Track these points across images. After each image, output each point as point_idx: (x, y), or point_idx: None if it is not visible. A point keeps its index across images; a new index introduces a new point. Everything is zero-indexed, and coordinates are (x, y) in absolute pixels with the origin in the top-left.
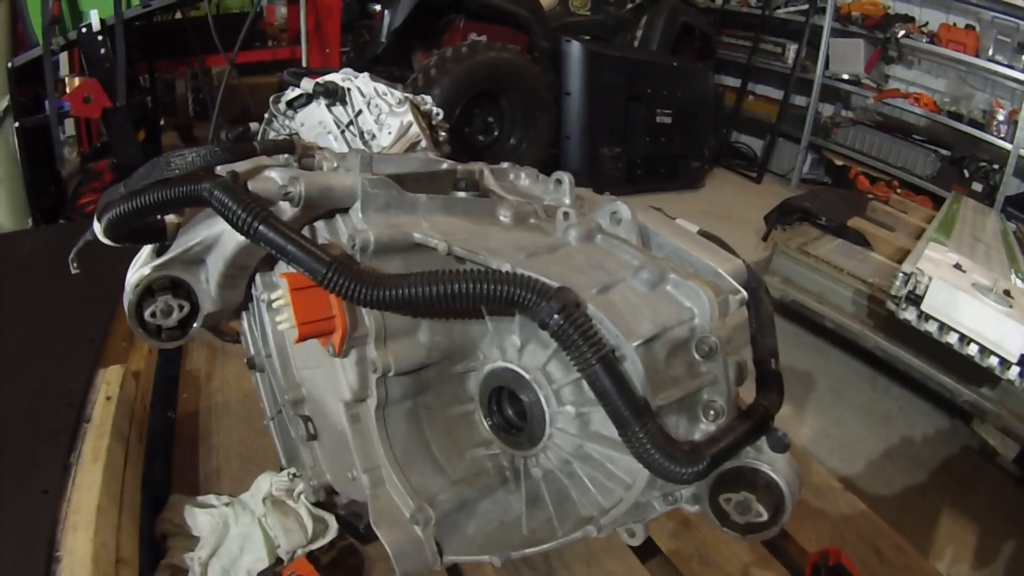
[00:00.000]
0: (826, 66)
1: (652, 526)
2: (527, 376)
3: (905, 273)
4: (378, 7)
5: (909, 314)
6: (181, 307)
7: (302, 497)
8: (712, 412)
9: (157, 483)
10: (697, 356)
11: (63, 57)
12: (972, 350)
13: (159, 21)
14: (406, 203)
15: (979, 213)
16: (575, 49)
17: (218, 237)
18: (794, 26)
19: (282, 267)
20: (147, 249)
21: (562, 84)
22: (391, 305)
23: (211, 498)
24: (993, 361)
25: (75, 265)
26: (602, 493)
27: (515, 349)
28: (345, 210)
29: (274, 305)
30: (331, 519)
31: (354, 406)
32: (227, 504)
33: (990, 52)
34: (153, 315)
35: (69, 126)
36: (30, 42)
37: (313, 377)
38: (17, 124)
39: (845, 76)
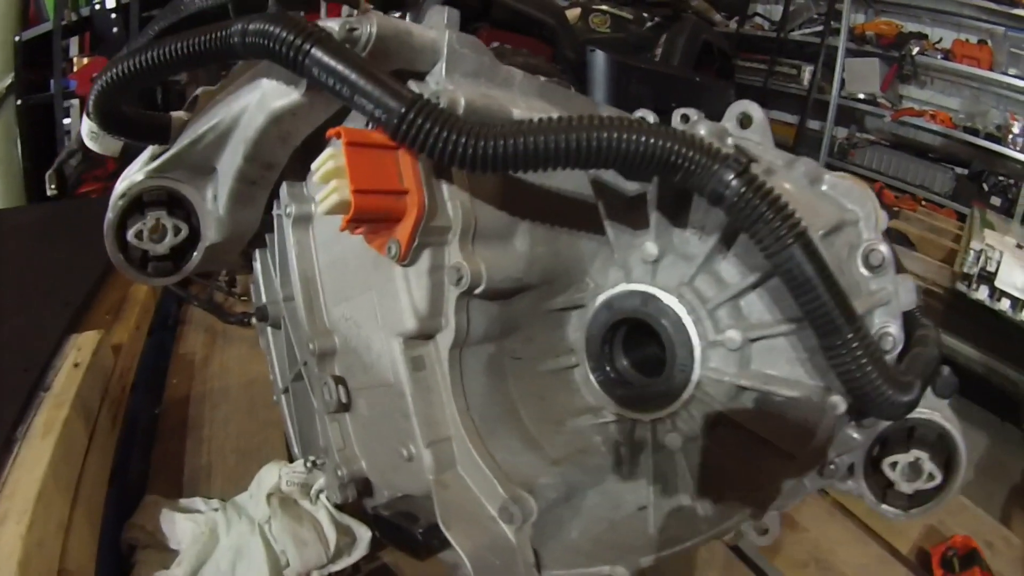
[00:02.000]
0: (842, 86)
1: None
2: (666, 299)
3: (976, 251)
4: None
5: (981, 293)
6: (177, 230)
7: (322, 497)
8: (890, 340)
9: (131, 479)
10: (864, 270)
11: (72, 42)
12: None
13: None
14: (500, 76)
15: (1004, 222)
16: (600, 59)
17: (239, 115)
18: (809, 48)
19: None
20: (144, 155)
21: (587, 95)
22: (504, 164)
23: (196, 501)
24: None
25: (52, 187)
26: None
27: (646, 264)
28: (422, 76)
29: (317, 175)
30: (361, 530)
31: (416, 345)
32: (216, 510)
33: (1004, 66)
34: (139, 236)
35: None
36: (41, 20)
37: (353, 312)
38: (19, 102)
39: (861, 96)
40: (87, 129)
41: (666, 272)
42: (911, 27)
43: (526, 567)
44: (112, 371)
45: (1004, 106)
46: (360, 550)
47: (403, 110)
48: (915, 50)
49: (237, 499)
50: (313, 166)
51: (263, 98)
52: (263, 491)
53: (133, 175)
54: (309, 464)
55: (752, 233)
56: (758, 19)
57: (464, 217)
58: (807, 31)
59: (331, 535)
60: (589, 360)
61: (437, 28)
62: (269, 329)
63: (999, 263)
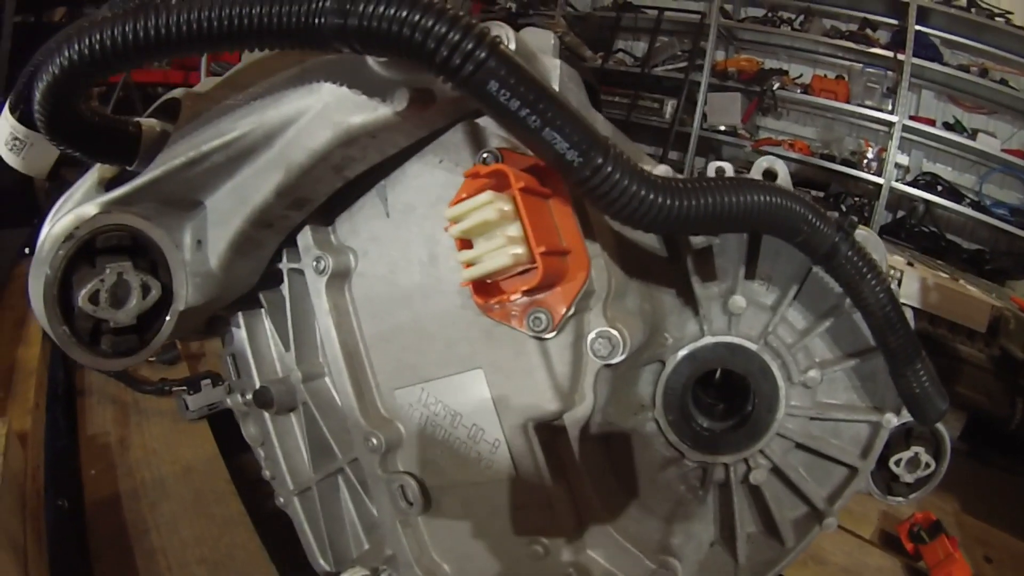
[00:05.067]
0: (703, 119)
1: None
2: (753, 347)
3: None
4: None
5: None
6: (146, 289)
7: None
8: None
9: None
10: None
11: None
12: None
13: (48, 21)
14: (590, 116)
15: None
16: None
17: (279, 130)
18: (669, 83)
19: (366, 217)
20: (89, 178)
21: None
22: (685, 226)
23: None
24: None
25: None
26: (821, 479)
27: (727, 317)
28: None
29: (464, 226)
30: None
31: (544, 428)
32: None
33: (860, 98)
34: (94, 299)
35: None
36: None
37: (441, 397)
38: None
39: (722, 127)
40: (6, 135)
41: (747, 322)
42: (770, 63)
43: None
44: (25, 474)
45: (858, 134)
46: None
47: (600, 158)
48: (776, 85)
49: None
50: (452, 212)
51: (327, 110)
52: None
53: (82, 208)
54: None
55: (852, 286)
56: (622, 55)
57: (607, 278)
58: (670, 67)
59: None
60: (667, 413)
61: (544, 55)
62: (267, 416)
63: (899, 280)
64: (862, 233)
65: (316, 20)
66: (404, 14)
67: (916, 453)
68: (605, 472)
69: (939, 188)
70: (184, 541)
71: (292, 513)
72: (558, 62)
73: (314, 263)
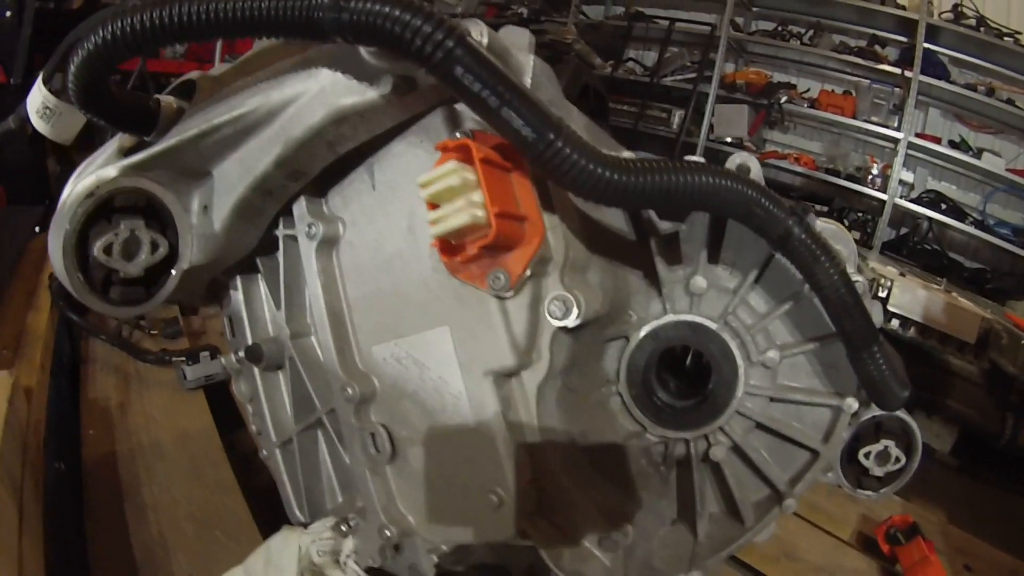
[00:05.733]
0: (711, 130)
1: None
2: (713, 326)
3: (869, 279)
4: None
5: (876, 315)
6: (154, 246)
7: (350, 562)
8: None
9: (69, 563)
10: None
11: None
12: None
13: (68, 8)
14: (564, 109)
15: (865, 253)
16: None
17: (280, 108)
18: (677, 93)
19: (355, 191)
20: (110, 145)
21: None
22: (634, 200)
23: None
24: None
25: None
26: (783, 462)
27: (688, 297)
28: None
29: (433, 190)
30: None
31: (503, 383)
32: None
33: (867, 114)
34: (108, 251)
35: None
36: None
37: (412, 352)
38: None
39: (728, 139)
40: (38, 104)
41: (708, 303)
42: (779, 77)
43: None
44: (27, 424)
45: (863, 149)
46: None
47: (551, 136)
48: (783, 99)
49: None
50: (423, 179)
51: (323, 92)
52: (289, 567)
53: (103, 171)
54: (341, 525)
55: (807, 269)
56: (631, 64)
57: (564, 248)
58: (679, 77)
59: None
60: (631, 388)
61: (519, 51)
62: (257, 372)
63: (890, 289)
64: (830, 228)
65: (316, 14)
66: (387, 10)
67: (886, 447)
68: (570, 440)
69: (943, 206)
70: (175, 500)
71: (274, 466)
72: (532, 58)
73: (306, 229)
